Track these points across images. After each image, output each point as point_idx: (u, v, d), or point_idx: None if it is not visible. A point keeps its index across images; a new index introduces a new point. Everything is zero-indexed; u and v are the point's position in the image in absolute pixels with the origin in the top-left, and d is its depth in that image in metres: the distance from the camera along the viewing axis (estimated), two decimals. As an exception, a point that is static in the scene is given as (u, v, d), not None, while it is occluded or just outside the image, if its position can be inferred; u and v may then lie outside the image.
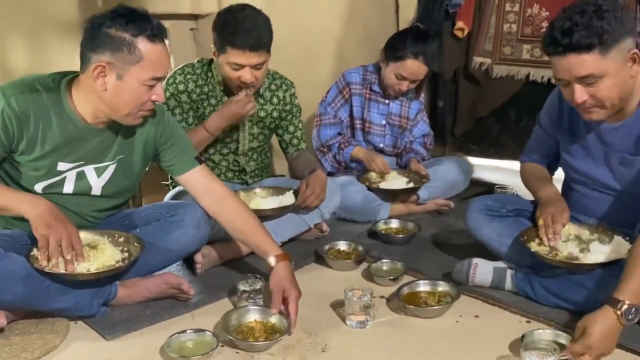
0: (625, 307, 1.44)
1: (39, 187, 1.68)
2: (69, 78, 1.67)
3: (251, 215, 1.85)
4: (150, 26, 1.58)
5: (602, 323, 1.49)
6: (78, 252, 1.58)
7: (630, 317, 1.45)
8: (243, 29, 2.05)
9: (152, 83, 1.61)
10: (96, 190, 1.78)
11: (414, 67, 2.58)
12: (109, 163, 1.76)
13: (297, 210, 2.25)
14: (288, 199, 2.23)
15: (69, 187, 1.73)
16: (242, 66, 2.10)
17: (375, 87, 2.75)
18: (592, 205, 1.87)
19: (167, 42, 1.64)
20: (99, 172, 1.76)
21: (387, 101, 2.78)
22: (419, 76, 2.63)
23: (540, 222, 1.81)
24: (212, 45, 2.17)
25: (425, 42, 2.58)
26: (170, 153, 1.86)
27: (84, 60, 1.60)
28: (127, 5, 1.64)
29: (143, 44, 1.56)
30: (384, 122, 2.80)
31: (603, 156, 1.80)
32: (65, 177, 1.71)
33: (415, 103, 2.86)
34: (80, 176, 1.73)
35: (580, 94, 1.61)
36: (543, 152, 2.04)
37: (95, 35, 1.57)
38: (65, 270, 1.57)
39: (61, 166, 1.69)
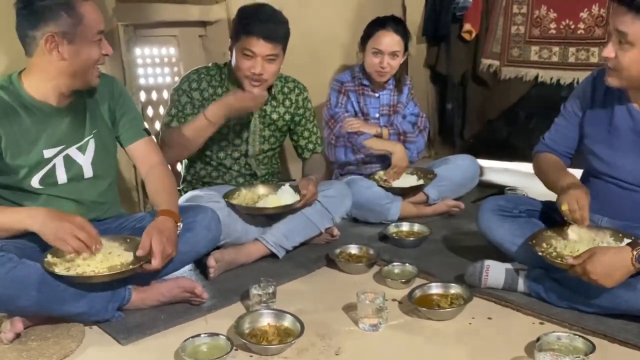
0: None
1: (35, 181, 1.72)
2: (17, 72, 1.73)
3: (166, 183, 1.90)
4: None
5: (611, 254, 1.55)
6: (95, 237, 1.63)
7: None
8: (259, 19, 2.12)
9: (99, 37, 1.67)
10: (87, 170, 1.81)
11: (386, 37, 2.68)
12: (88, 138, 1.81)
13: (303, 209, 2.23)
14: (291, 197, 2.20)
15: (62, 176, 1.76)
16: (254, 54, 2.13)
17: (365, 82, 2.82)
18: (609, 201, 1.84)
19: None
20: (82, 149, 1.80)
21: (377, 94, 2.84)
22: (394, 47, 2.70)
23: (565, 207, 1.75)
24: (230, 40, 2.22)
25: (391, 18, 2.76)
26: (121, 122, 1.91)
27: (29, 42, 1.64)
28: None
29: (78, 4, 1.61)
30: (377, 115, 2.85)
31: (635, 147, 1.78)
32: (54, 165, 1.74)
33: (404, 89, 2.92)
34: (68, 160, 1.77)
35: (610, 48, 1.65)
36: (565, 142, 1.98)
37: (31, 13, 1.60)
38: (92, 251, 1.62)
39: (47, 153, 1.73)
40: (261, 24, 2.11)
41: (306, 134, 2.47)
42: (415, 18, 3.67)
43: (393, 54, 2.71)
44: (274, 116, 2.37)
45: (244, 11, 2.19)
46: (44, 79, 1.68)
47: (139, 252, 1.68)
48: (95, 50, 1.67)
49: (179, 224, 1.81)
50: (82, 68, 1.68)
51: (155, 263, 1.66)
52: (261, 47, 2.12)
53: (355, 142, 2.68)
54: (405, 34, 2.77)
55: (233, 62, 2.21)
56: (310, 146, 2.49)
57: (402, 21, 2.86)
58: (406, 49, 2.78)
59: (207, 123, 2.13)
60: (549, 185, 1.94)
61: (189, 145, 2.21)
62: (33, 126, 1.70)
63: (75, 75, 1.68)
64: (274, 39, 2.13)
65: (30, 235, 1.63)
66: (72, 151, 1.78)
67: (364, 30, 2.80)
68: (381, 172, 2.76)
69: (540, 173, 2.01)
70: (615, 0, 1.62)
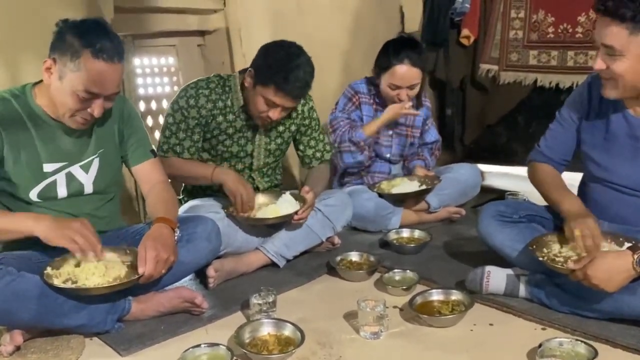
0: None
1: (34, 194, 1.73)
2: (33, 83, 1.74)
3: (165, 196, 1.90)
4: (101, 43, 1.60)
5: (612, 258, 1.55)
6: (96, 239, 1.64)
7: None
8: (295, 77, 2.03)
9: (86, 96, 1.64)
10: (88, 188, 1.82)
11: (403, 71, 2.54)
12: (92, 157, 1.82)
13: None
14: (291, 206, 2.20)
15: (62, 191, 1.77)
16: (277, 106, 2.10)
17: (378, 100, 2.73)
18: (609, 206, 1.84)
19: (119, 64, 1.65)
20: (85, 168, 1.81)
21: None
22: (412, 80, 2.58)
23: (577, 232, 1.71)
24: (250, 69, 2.11)
25: (408, 46, 2.57)
26: (128, 143, 1.91)
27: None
28: (99, 19, 1.71)
29: (86, 57, 1.60)
30: (390, 132, 2.78)
31: (632, 152, 1.78)
32: (56, 181, 1.75)
33: (422, 110, 2.83)
34: (70, 177, 1.78)
35: (600, 61, 1.65)
36: (561, 149, 1.97)
37: (56, 36, 1.64)
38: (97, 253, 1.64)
39: (47, 167, 1.74)
40: (296, 83, 2.04)
41: (312, 143, 2.44)
42: (413, 24, 3.67)
43: (412, 86, 2.60)
44: (280, 128, 2.33)
45: (277, 58, 2.05)
46: (49, 96, 1.70)
47: (140, 269, 1.66)
48: (75, 101, 1.64)
49: (175, 229, 1.81)
50: (59, 105, 1.67)
51: (149, 268, 1.64)
52: (286, 102, 2.09)
53: (357, 140, 2.59)
54: (423, 60, 2.62)
55: (250, 96, 2.15)
56: (318, 155, 2.45)
57: (419, 44, 2.68)
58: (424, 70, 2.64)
59: (209, 180, 2.16)
60: (550, 202, 1.92)
61: (184, 182, 2.33)
62: (37, 138, 1.71)
63: (56, 105, 1.69)
64: (301, 97, 2.16)
65: (34, 247, 1.65)
66: (75, 169, 1.79)
67: (379, 55, 2.63)
68: (385, 182, 2.72)
69: (538, 185, 1.98)
70: (606, 15, 1.60)
